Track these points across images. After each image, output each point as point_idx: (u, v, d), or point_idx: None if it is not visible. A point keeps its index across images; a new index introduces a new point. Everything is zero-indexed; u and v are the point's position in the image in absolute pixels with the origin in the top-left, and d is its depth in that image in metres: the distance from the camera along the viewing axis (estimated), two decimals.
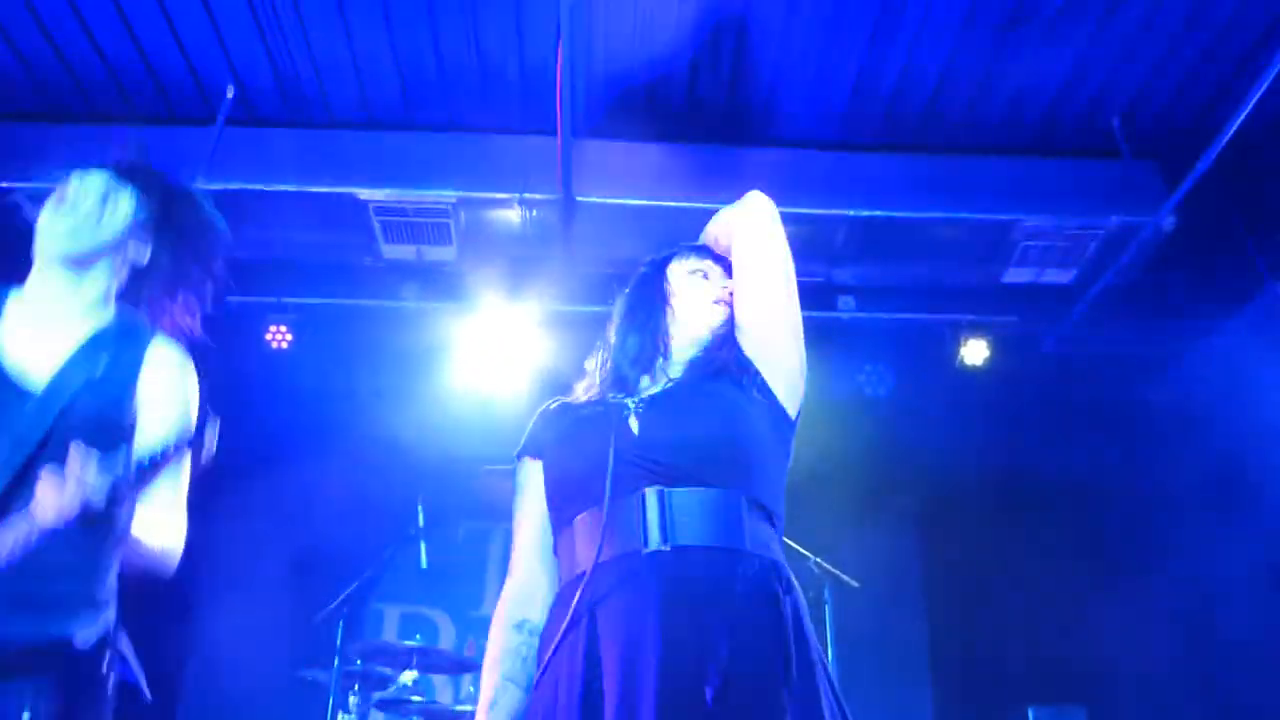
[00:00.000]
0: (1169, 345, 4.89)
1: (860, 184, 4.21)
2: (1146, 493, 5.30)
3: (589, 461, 1.58)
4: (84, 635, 1.44)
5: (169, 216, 1.79)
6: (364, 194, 4.07)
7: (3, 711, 1.35)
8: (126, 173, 1.77)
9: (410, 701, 3.81)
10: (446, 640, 5.59)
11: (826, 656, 1.53)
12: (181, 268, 1.81)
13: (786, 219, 1.85)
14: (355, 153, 4.15)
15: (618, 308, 1.88)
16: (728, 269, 1.87)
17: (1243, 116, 3.42)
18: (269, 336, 4.60)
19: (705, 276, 1.86)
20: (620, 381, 1.74)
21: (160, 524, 1.58)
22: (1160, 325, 4.83)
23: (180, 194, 1.84)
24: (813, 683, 1.39)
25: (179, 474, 1.63)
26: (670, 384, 1.72)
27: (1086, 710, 4.50)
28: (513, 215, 4.20)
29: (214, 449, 1.43)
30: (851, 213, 4.16)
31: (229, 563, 5.72)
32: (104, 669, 1.48)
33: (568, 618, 1.46)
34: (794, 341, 1.75)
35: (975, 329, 4.78)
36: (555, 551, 1.64)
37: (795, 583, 1.51)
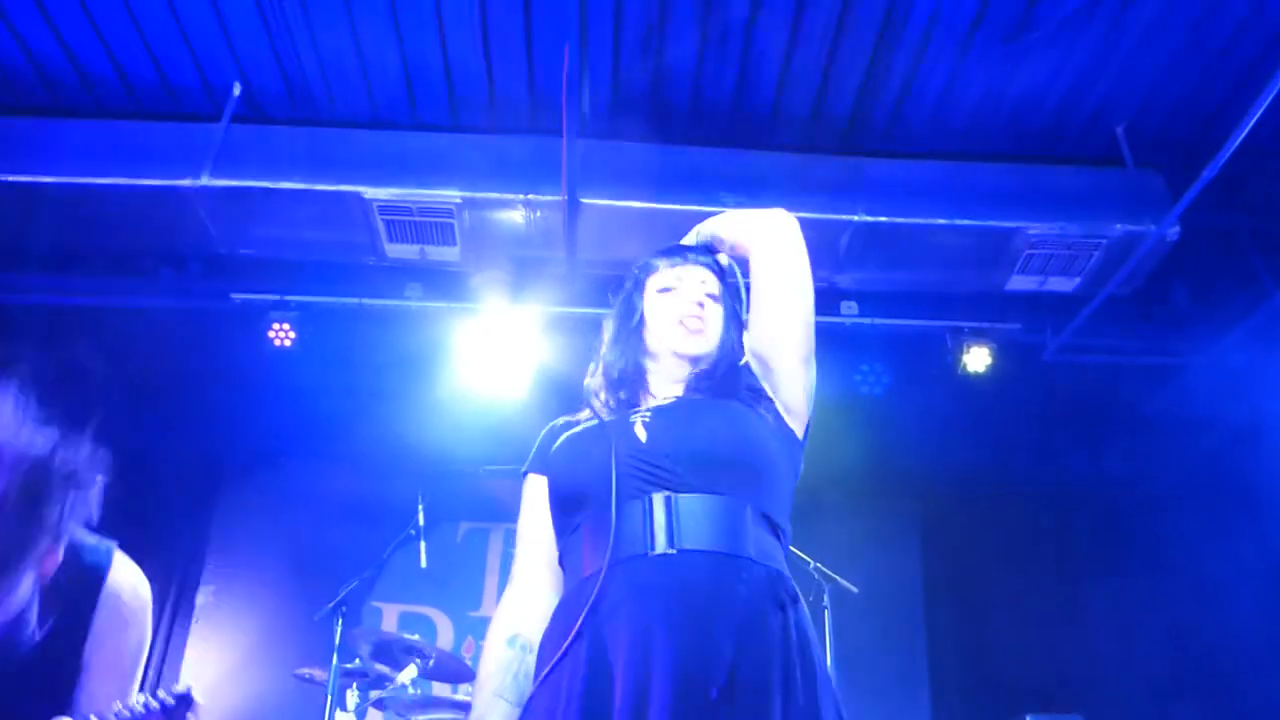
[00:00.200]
0: (1172, 355, 4.88)
1: (864, 190, 4.21)
2: (1147, 502, 5.30)
3: (594, 468, 1.58)
4: None
5: None
6: (369, 193, 4.07)
7: None
8: None
9: (407, 698, 3.81)
10: (445, 640, 5.60)
11: (829, 667, 1.53)
12: None
13: None
14: (360, 151, 4.15)
15: (604, 328, 1.86)
16: (712, 268, 1.83)
17: (1248, 126, 3.41)
18: (272, 334, 4.61)
19: (671, 290, 1.79)
20: (618, 401, 1.72)
21: None
22: (1163, 334, 4.83)
23: None
24: (815, 695, 1.39)
25: None
26: (676, 399, 1.70)
27: (1084, 718, 4.49)
28: (517, 216, 4.20)
29: None
30: (855, 218, 4.16)
31: (230, 559, 5.74)
32: None
33: (579, 622, 1.45)
34: (806, 364, 1.73)
35: (977, 336, 4.77)
36: (560, 559, 1.64)
37: (800, 595, 1.51)
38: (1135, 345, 4.87)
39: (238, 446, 5.67)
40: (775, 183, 4.18)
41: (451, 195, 4.12)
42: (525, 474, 1.76)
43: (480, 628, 5.59)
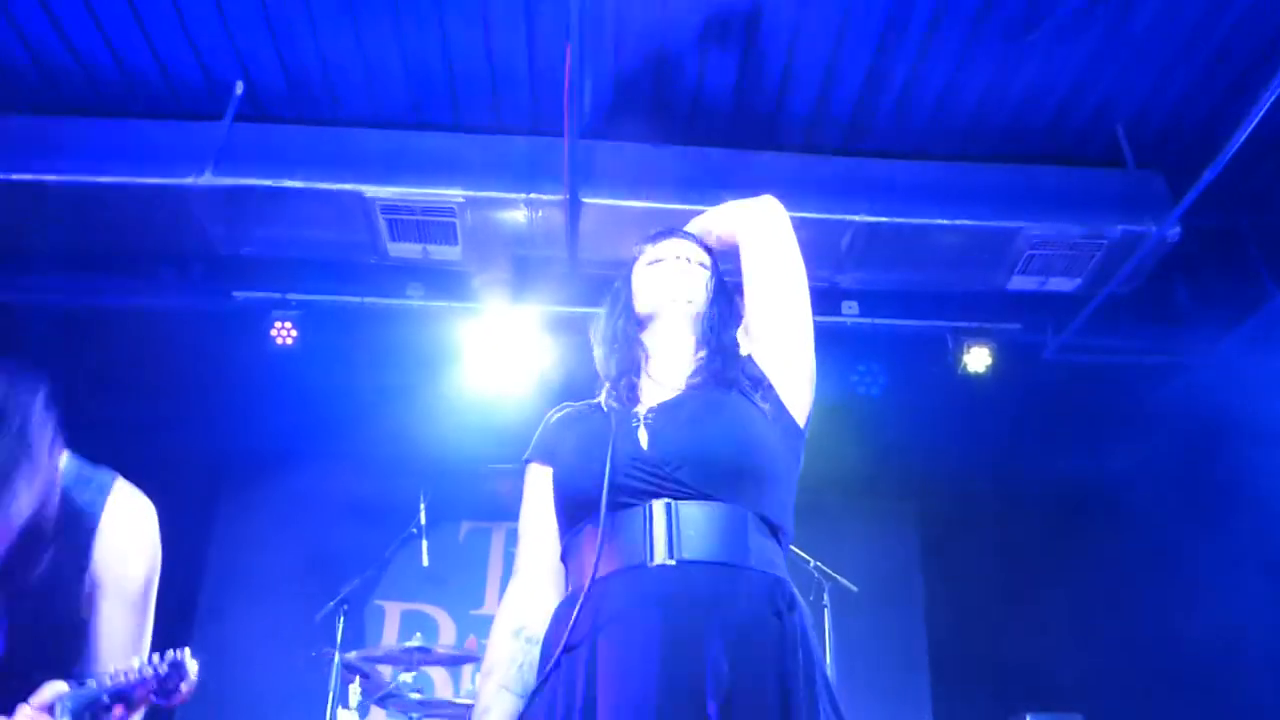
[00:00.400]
0: (1172, 355, 4.89)
1: (865, 190, 4.22)
2: (1147, 501, 5.30)
3: (599, 471, 1.56)
4: None
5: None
6: (370, 192, 4.08)
7: None
8: None
9: (409, 698, 3.81)
10: (447, 638, 5.61)
11: (829, 671, 1.52)
12: None
13: (792, 223, 1.85)
14: (362, 150, 4.15)
15: (598, 328, 1.87)
16: (696, 241, 1.86)
17: (1249, 126, 3.42)
18: (274, 333, 4.62)
19: (659, 260, 1.83)
20: (618, 394, 1.71)
21: None
22: (1164, 334, 4.83)
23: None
24: (814, 705, 1.39)
25: None
26: (678, 392, 1.69)
27: (1084, 717, 4.50)
28: (519, 215, 4.20)
29: None
30: (856, 218, 4.16)
31: (231, 558, 5.74)
32: None
33: (566, 634, 1.45)
34: (804, 350, 1.73)
35: (978, 336, 4.78)
36: (564, 557, 1.63)
37: (799, 599, 1.50)
38: (1135, 345, 4.88)
39: (239, 445, 5.67)
40: (776, 182, 4.12)
41: (453, 194, 4.13)
42: (527, 462, 1.74)
43: (482, 626, 5.60)
